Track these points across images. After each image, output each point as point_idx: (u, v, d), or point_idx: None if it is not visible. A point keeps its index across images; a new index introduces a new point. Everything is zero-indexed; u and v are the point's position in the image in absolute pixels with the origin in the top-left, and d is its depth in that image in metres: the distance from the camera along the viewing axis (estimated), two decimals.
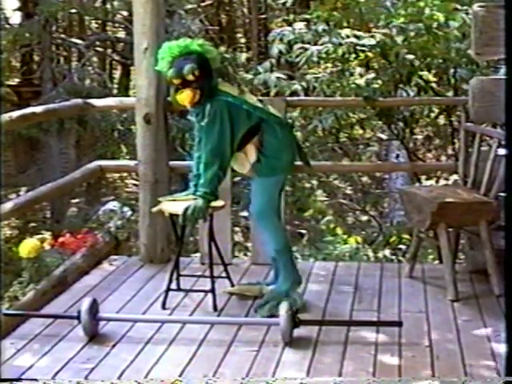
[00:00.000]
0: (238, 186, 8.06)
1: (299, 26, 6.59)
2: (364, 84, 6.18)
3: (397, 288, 4.58)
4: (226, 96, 4.09)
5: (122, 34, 13.15)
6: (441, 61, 6.25)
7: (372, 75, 6.42)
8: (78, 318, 3.80)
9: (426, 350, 3.67)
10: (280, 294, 4.19)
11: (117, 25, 13.23)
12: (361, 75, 6.37)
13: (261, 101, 4.31)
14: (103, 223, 5.44)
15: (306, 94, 6.69)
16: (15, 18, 11.88)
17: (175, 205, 4.22)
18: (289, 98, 5.72)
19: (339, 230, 8.05)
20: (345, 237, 7.78)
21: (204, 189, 4.06)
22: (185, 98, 4.08)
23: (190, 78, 4.04)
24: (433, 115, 7.24)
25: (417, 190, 4.86)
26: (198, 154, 4.24)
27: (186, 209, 4.05)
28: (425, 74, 6.38)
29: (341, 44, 6.29)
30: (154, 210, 4.37)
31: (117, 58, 12.63)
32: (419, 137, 8.99)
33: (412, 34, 6.15)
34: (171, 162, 5.21)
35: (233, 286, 4.51)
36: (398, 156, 8.33)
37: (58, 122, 9.22)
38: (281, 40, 6.62)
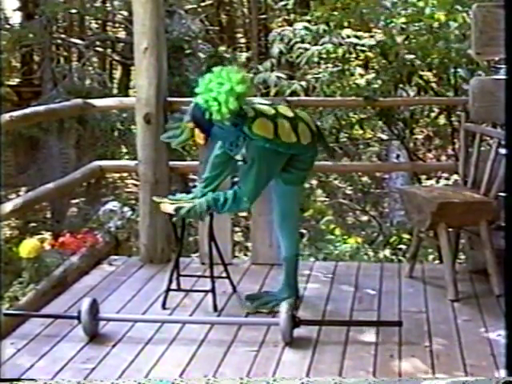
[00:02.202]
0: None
1: (299, 26, 6.59)
2: (364, 84, 6.19)
3: (397, 288, 4.58)
4: (262, 141, 3.96)
5: (122, 34, 13.14)
6: (441, 61, 6.25)
7: (372, 75, 6.43)
8: (78, 318, 3.80)
9: (425, 349, 3.67)
10: (274, 297, 4.22)
11: (117, 25, 13.24)
12: (361, 75, 6.38)
13: (293, 118, 4.11)
14: (103, 223, 5.44)
15: (307, 94, 6.70)
16: (15, 18, 11.89)
17: (176, 205, 4.23)
18: (289, 98, 5.72)
19: (338, 231, 8.06)
20: (344, 237, 7.79)
21: (218, 200, 4.03)
22: (195, 136, 4.06)
23: (191, 125, 4.03)
24: (433, 115, 7.25)
25: (417, 189, 4.86)
26: (216, 159, 4.25)
27: (179, 208, 4.07)
28: (425, 74, 6.38)
29: (341, 44, 6.30)
30: (156, 199, 4.36)
31: (117, 57, 12.61)
32: (419, 137, 9.00)
33: (412, 33, 6.15)
34: (171, 162, 5.21)
35: (233, 286, 4.51)
36: (398, 156, 8.34)
37: (58, 122, 9.22)
38: (281, 40, 6.62)
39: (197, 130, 4.03)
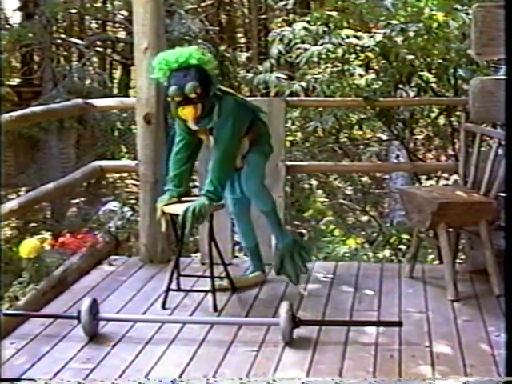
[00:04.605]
0: None
1: (299, 26, 6.58)
2: (364, 84, 6.18)
3: (397, 288, 4.58)
4: (231, 96, 4.27)
5: (122, 34, 13.14)
6: (441, 61, 6.25)
7: (372, 76, 6.42)
8: (78, 318, 3.80)
9: (425, 349, 3.67)
10: (288, 246, 4.43)
11: (117, 25, 13.24)
12: (361, 75, 6.37)
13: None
14: (103, 223, 5.45)
15: (306, 95, 6.69)
16: (16, 18, 11.88)
17: (176, 206, 4.24)
18: (289, 98, 5.73)
19: (337, 233, 8.06)
20: (343, 238, 7.79)
21: (211, 187, 4.16)
22: (187, 114, 4.17)
23: (193, 95, 4.09)
24: (433, 115, 7.24)
25: (417, 190, 4.86)
26: (177, 156, 4.38)
27: (187, 209, 4.08)
28: (425, 74, 6.38)
29: (341, 44, 6.29)
30: (159, 204, 4.36)
31: (117, 57, 12.62)
32: (419, 137, 8.99)
33: (412, 34, 6.15)
34: None
35: (233, 286, 4.50)
36: (398, 156, 8.33)
37: (58, 122, 9.22)
38: (281, 40, 6.62)
39: (190, 108, 4.12)
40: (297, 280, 4.52)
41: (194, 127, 4.29)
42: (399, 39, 6.16)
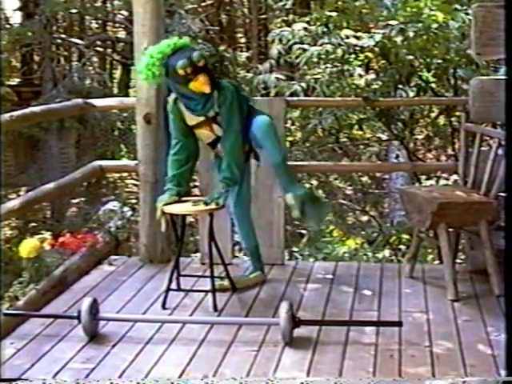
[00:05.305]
0: None
1: (299, 26, 6.59)
2: (364, 84, 6.19)
3: (397, 288, 4.58)
4: (228, 82, 4.37)
5: (122, 34, 13.15)
6: (440, 61, 6.25)
7: (372, 76, 6.43)
8: (78, 317, 3.80)
9: (425, 349, 3.67)
10: (308, 193, 4.38)
11: (117, 25, 13.25)
12: (360, 76, 6.38)
13: None
14: (103, 223, 5.44)
15: (306, 95, 6.70)
16: (16, 18, 11.89)
17: (176, 206, 4.25)
18: (289, 98, 5.73)
19: (336, 233, 8.06)
20: (343, 239, 7.79)
21: (228, 173, 4.25)
22: (202, 83, 4.14)
23: (201, 63, 4.12)
24: (433, 115, 7.25)
25: (417, 190, 4.86)
26: (175, 157, 4.40)
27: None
28: (425, 74, 6.38)
29: (340, 44, 6.29)
30: (158, 215, 4.36)
31: (117, 57, 12.63)
32: (419, 137, 8.99)
33: (411, 34, 6.15)
34: None
35: (233, 286, 4.50)
36: (397, 156, 8.33)
37: (59, 122, 9.22)
38: (280, 41, 6.62)
39: (203, 75, 4.12)
40: (318, 224, 4.63)
41: (192, 121, 4.31)
42: (399, 39, 6.16)
